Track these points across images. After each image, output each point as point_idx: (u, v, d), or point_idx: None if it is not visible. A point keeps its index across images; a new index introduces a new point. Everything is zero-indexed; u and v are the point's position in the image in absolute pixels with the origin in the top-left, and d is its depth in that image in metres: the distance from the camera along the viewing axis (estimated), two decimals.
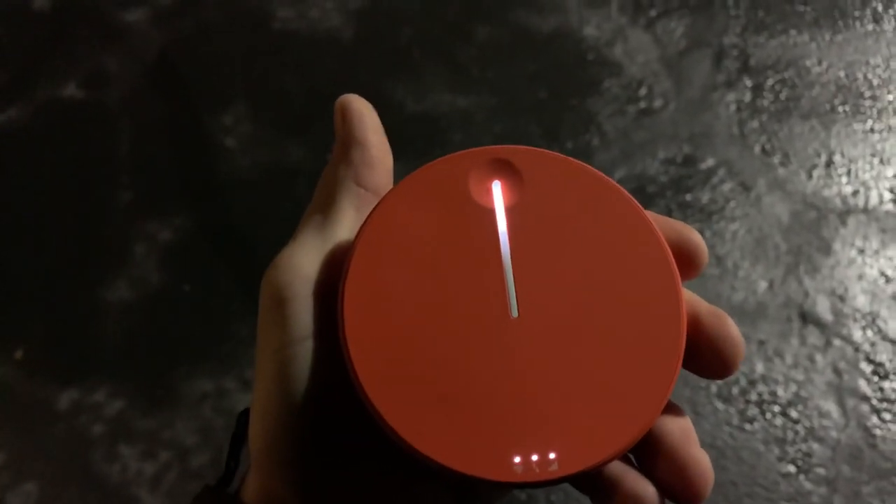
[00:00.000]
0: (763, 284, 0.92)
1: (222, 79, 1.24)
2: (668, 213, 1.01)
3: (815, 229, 0.97)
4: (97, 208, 1.07)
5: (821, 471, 0.79)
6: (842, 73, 1.13)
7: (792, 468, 0.79)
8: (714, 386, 0.85)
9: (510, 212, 0.21)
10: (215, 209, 1.08)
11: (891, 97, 1.10)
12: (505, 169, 0.22)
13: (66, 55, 1.27)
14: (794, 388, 0.84)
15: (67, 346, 0.94)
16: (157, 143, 1.16)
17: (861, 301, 0.90)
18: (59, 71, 1.25)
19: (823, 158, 1.04)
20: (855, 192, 1.00)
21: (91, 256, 1.02)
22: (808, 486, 0.78)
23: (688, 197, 1.02)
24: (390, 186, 0.25)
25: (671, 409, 0.21)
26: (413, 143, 1.13)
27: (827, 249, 0.95)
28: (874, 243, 0.95)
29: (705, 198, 1.01)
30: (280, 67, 1.22)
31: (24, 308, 0.97)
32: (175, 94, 1.23)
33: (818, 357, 0.86)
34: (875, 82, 1.12)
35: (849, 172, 1.02)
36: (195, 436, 0.86)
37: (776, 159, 1.04)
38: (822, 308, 0.90)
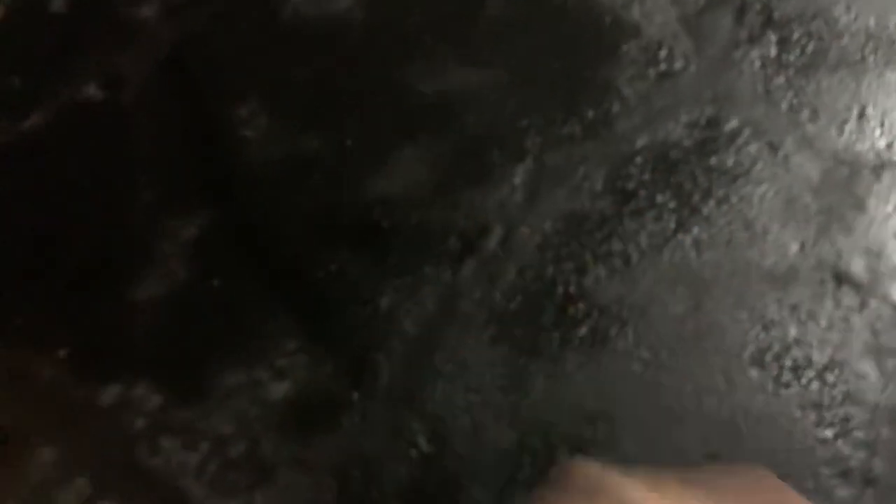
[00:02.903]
0: (794, 247, 0.90)
1: (235, 71, 1.24)
2: (693, 180, 0.99)
3: (847, 187, 0.94)
4: (122, 209, 1.09)
5: (859, 434, 0.78)
6: (872, 22, 1.08)
7: (829, 433, 0.78)
8: (747, 353, 0.84)
9: None
10: (236, 204, 1.09)
11: None
12: None
13: (84, 56, 1.29)
14: (829, 351, 0.83)
15: (106, 345, 0.97)
16: (175, 140, 1.17)
17: None
18: (78, 72, 1.26)
19: (855, 112, 1.00)
20: (889, 145, 0.96)
21: (120, 256, 1.04)
22: (846, 450, 0.77)
23: (713, 161, 0.99)
24: None
25: None
26: (427, 127, 1.12)
27: (860, 207, 0.92)
28: None
29: (730, 161, 0.98)
30: (293, 57, 1.22)
31: (63, 310, 1.00)
32: (189, 90, 1.24)
33: (854, 318, 0.84)
34: None
35: (882, 124, 0.98)
36: (231, 426, 0.88)
37: (804, 116, 1.01)
38: (857, 268, 0.87)
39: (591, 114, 1.05)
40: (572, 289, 0.92)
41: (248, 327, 0.96)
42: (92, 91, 1.25)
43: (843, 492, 0.75)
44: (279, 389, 0.91)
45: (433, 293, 0.95)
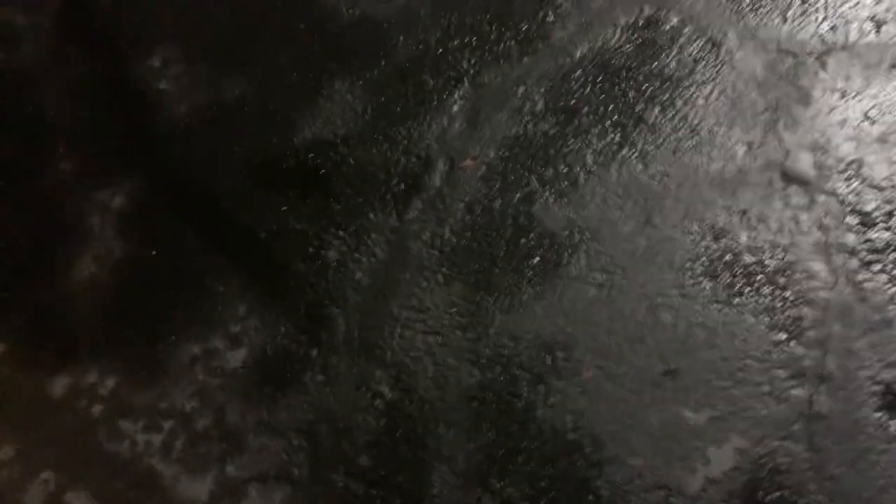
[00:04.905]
0: (741, 148, 0.88)
1: (141, 11, 1.13)
2: (637, 88, 0.94)
3: (792, 78, 0.90)
4: (43, 185, 1.02)
5: (812, 333, 0.79)
6: None
7: (783, 335, 0.79)
8: (699, 265, 0.83)
9: None
10: (163, 164, 1.02)
11: None
12: None
13: None
14: (780, 254, 0.83)
15: (48, 335, 0.93)
16: (86, 100, 1.08)
17: (845, 149, 0.86)
18: None
19: None
20: (833, 28, 0.92)
21: (51, 239, 0.98)
22: (800, 350, 0.78)
23: (654, 65, 0.94)
24: None
25: None
26: (355, 55, 1.04)
27: (806, 99, 0.89)
28: (857, 82, 0.89)
29: (673, 63, 0.94)
30: None
31: None
32: (94, 39, 1.13)
33: (803, 217, 0.84)
34: None
35: (826, 6, 0.94)
36: (193, 400, 0.87)
37: (746, 4, 0.95)
38: (805, 164, 0.86)
39: (525, 26, 0.99)
40: (521, 219, 0.90)
41: (195, 296, 0.93)
42: None
43: (798, 391, 0.77)
44: (237, 357, 0.89)
45: (381, 240, 0.92)
